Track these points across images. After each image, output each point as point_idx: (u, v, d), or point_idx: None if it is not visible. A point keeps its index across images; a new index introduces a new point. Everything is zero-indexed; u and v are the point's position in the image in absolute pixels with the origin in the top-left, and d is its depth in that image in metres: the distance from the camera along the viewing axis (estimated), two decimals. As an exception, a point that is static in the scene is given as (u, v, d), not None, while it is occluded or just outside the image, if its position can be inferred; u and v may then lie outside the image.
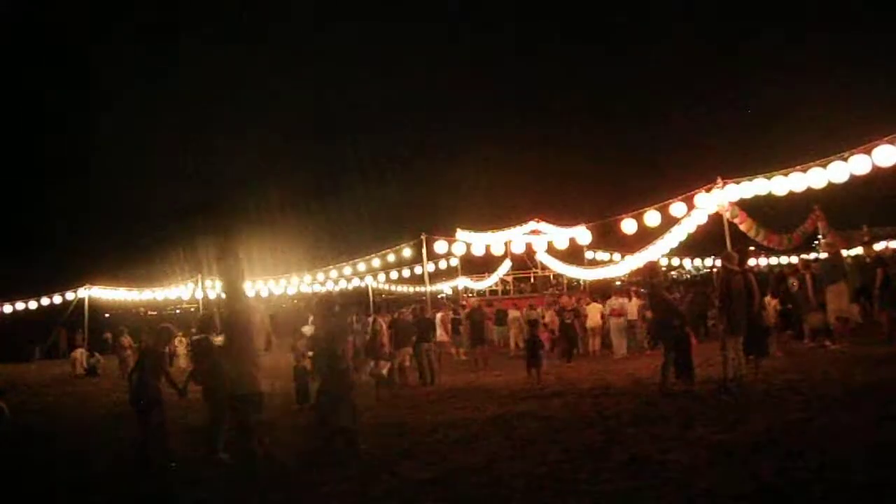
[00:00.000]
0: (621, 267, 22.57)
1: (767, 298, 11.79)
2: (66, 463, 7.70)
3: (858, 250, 17.43)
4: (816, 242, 21.53)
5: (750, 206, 12.94)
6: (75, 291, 23.62)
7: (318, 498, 5.51)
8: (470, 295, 27.08)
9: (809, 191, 11.02)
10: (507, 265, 26.19)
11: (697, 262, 30.36)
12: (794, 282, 12.78)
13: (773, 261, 27.23)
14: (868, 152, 9.66)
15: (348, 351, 7.64)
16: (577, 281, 26.28)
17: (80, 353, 20.32)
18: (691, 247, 21.49)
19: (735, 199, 12.28)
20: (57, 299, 23.53)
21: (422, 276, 19.87)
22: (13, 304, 22.94)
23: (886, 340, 11.23)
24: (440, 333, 15.61)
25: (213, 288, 21.67)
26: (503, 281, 28.13)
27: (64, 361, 21.81)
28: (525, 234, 21.49)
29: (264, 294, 23.56)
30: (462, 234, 20.16)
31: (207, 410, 7.34)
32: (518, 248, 19.67)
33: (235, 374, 6.16)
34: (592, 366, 13.36)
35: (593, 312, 15.87)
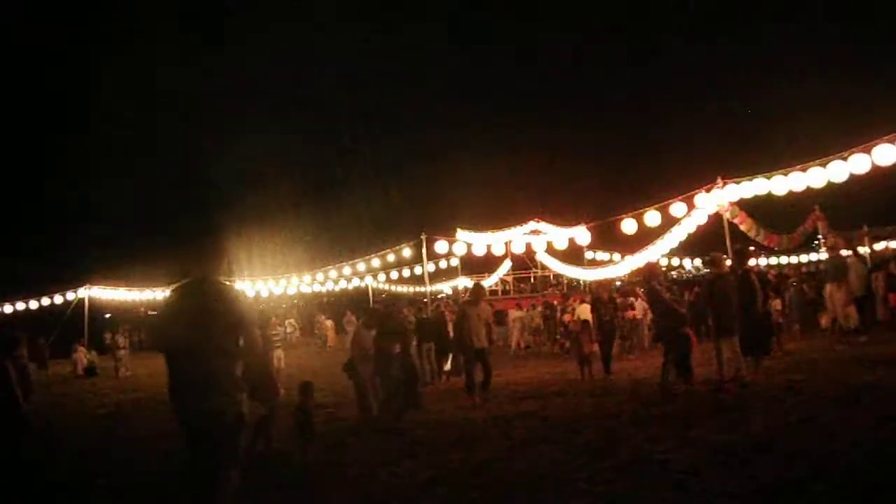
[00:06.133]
0: (621, 267, 22.59)
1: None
2: (66, 463, 7.72)
3: (859, 251, 17.39)
4: (816, 242, 21.54)
5: (750, 206, 12.95)
6: (75, 291, 23.63)
7: (318, 497, 5.52)
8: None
9: (809, 190, 11.00)
10: (507, 265, 26.22)
11: (697, 261, 30.34)
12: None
13: (784, 261, 27.22)
14: (868, 151, 9.64)
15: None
16: (577, 281, 26.31)
17: (82, 353, 20.33)
18: (691, 247, 21.47)
19: (735, 199, 12.27)
20: (57, 299, 23.56)
21: (422, 276, 19.86)
22: (13, 304, 22.95)
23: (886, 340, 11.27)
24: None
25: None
26: (503, 281, 28.16)
27: (64, 361, 21.78)
28: (525, 234, 21.50)
29: (264, 294, 23.57)
30: (462, 234, 20.16)
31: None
32: (518, 248, 19.66)
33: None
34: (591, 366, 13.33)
35: (585, 312, 15.78)
